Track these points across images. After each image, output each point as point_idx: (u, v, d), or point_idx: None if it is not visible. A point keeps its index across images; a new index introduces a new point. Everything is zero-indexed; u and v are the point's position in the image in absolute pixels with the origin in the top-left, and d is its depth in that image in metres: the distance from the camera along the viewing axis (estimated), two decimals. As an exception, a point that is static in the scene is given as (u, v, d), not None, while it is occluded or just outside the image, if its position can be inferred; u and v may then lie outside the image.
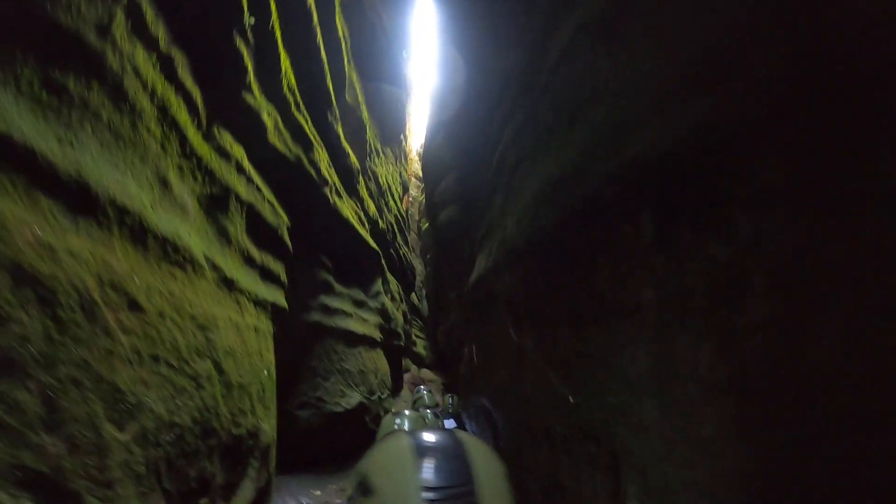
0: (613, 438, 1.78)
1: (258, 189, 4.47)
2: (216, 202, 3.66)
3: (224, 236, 3.69)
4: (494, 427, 3.38)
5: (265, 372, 3.56)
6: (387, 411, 6.49)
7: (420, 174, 21.80)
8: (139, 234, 2.25)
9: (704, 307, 1.34)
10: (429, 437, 1.08)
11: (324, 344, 5.74)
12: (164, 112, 2.73)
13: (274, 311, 4.38)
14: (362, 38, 10.94)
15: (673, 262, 1.47)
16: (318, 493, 4.91)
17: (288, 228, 5.24)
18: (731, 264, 1.25)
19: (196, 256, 3.01)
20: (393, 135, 16.45)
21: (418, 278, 17.49)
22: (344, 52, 7.93)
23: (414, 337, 14.26)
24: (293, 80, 5.44)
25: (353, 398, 5.87)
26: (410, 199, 22.46)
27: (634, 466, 1.64)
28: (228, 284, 3.33)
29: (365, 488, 0.97)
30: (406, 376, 11.90)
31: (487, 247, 3.34)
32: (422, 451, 1.00)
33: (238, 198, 3.99)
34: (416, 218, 22.41)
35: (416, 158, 23.42)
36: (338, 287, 6.49)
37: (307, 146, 5.89)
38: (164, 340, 2.26)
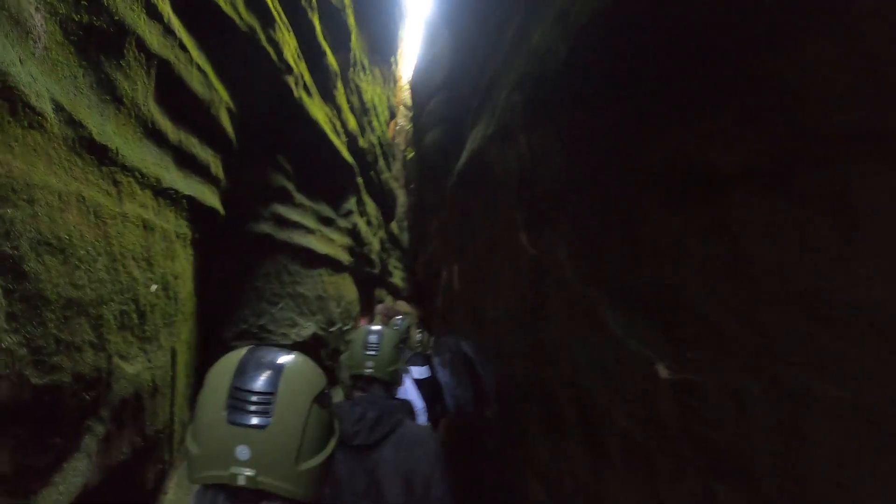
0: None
1: (182, 47, 3.18)
2: (100, 41, 2.42)
3: (109, 91, 2.46)
4: (477, 385, 2.36)
5: (154, 287, 2.44)
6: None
7: (409, 104, 20.33)
8: None
9: None
10: (257, 351, 1.07)
11: (274, 262, 4.61)
12: None
13: (194, 210, 3.20)
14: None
15: None
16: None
17: (231, 113, 3.98)
18: None
19: (29, 98, 1.81)
20: (383, 55, 15.13)
21: (401, 209, 16.36)
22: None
23: (391, 268, 13.25)
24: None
25: (307, 328, 4.80)
26: (398, 127, 21.00)
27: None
28: (97, 152, 2.14)
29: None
30: (379, 307, 10.93)
31: (488, 111, 2.21)
32: (243, 360, 1.03)
33: (144, 47, 2.72)
34: (402, 148, 20.95)
35: (407, 86, 21.72)
36: (298, 197, 5.29)
37: (267, 20, 4.53)
38: None
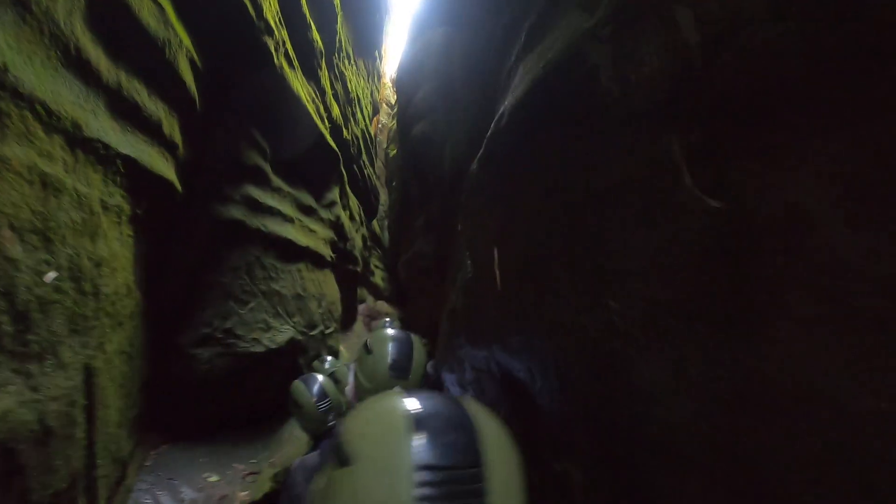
0: None
1: (127, -36, 2.37)
2: None
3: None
4: (530, 420, 1.66)
5: (52, 276, 1.62)
6: (331, 350, 4.60)
7: (392, 101, 19.64)
8: None
9: None
10: (425, 399, 0.71)
11: (245, 253, 3.77)
12: None
13: (137, 178, 2.37)
14: None
15: None
16: (215, 478, 3.06)
17: (195, 67, 3.16)
18: None
19: None
20: (368, 48, 14.49)
21: (382, 208, 15.59)
22: None
23: (373, 266, 12.41)
24: None
25: (283, 332, 3.96)
26: (380, 125, 20.26)
27: None
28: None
29: (342, 456, 0.66)
30: (361, 307, 10.09)
31: (535, 52, 1.48)
32: (419, 417, 0.66)
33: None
34: (384, 146, 20.17)
35: (390, 84, 21.06)
36: (276, 181, 4.45)
37: (243, -36, 3.74)
38: None
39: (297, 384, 2.39)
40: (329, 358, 4.07)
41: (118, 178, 2.22)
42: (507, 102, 1.74)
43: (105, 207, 2.08)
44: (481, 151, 2.16)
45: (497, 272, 1.84)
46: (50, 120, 1.70)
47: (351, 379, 1.74)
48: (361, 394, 1.61)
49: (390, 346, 1.58)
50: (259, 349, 3.62)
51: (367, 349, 1.60)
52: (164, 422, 3.24)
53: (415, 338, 1.67)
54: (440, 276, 8.63)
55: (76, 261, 1.77)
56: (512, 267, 1.76)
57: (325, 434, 2.33)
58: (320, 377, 2.45)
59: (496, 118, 1.81)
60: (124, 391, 2.47)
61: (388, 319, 4.85)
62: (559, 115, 1.39)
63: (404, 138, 11.21)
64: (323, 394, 2.31)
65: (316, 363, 4.03)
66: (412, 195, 11.14)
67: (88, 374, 1.85)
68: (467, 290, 2.28)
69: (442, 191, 8.24)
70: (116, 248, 2.16)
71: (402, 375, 1.54)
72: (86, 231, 1.87)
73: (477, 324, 2.11)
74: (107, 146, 2.08)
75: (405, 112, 11.25)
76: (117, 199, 2.21)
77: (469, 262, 2.27)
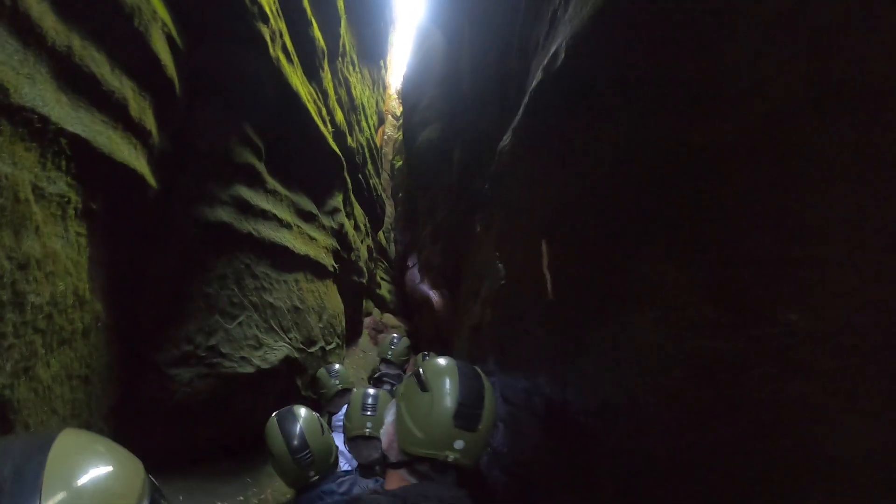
0: None
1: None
2: None
3: None
4: (582, 457, 1.23)
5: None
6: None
7: (397, 113, 19.39)
8: None
9: None
10: (463, 363, 1.21)
11: (233, 260, 3.32)
12: None
13: (92, 164, 1.94)
14: None
15: None
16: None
17: (174, 46, 2.75)
18: None
19: None
20: (372, 57, 14.24)
21: (388, 220, 15.21)
22: None
23: (379, 279, 11.96)
24: None
25: (277, 351, 3.48)
26: (385, 136, 19.98)
27: None
28: None
29: (421, 384, 1.18)
30: (367, 320, 9.62)
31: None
32: (462, 373, 1.17)
33: None
34: (390, 157, 19.86)
35: (395, 95, 20.84)
36: (271, 182, 4.03)
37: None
38: None
39: (272, 425, 1.88)
40: (337, 366, 3.59)
41: (63, 162, 1.78)
42: (561, 40, 1.29)
43: (40, 195, 1.64)
44: (519, 117, 1.68)
45: (547, 275, 1.38)
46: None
47: (389, 419, 1.27)
48: (408, 444, 1.15)
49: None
50: (248, 369, 3.15)
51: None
52: (136, 452, 2.77)
53: (482, 373, 1.26)
54: (448, 288, 8.15)
55: (-26, 259, 1.34)
56: (572, 265, 1.30)
57: (307, 488, 1.84)
58: (302, 415, 1.90)
59: (545, 64, 1.35)
60: (76, 422, 2.02)
61: (395, 335, 4.38)
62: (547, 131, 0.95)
63: (410, 147, 10.85)
64: (303, 443, 1.80)
65: (321, 373, 3.54)
66: (418, 205, 10.73)
67: (-3, 410, 1.40)
68: (498, 302, 1.80)
69: (449, 198, 7.80)
70: (57, 247, 1.72)
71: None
72: (4, 222, 1.43)
73: (513, 345, 1.63)
74: (45, 119, 1.65)
75: (411, 120, 10.92)
76: (60, 186, 1.77)
77: (500, 265, 1.79)
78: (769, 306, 0.87)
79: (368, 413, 2.02)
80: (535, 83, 1.42)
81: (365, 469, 2.13)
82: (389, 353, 4.03)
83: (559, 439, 1.39)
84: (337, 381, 3.40)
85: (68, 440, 0.66)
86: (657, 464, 1.10)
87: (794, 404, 0.81)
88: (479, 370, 1.25)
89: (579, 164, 1.25)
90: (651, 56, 1.02)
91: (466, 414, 1.13)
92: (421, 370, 1.23)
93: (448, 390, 1.15)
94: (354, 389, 2.72)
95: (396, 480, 1.19)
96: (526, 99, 1.53)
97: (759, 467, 0.88)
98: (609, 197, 1.16)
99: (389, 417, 1.26)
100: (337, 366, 3.62)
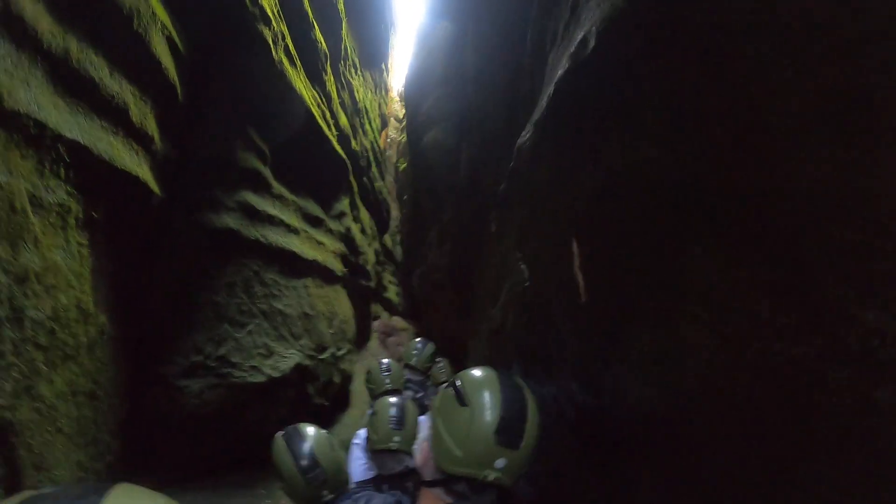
0: None
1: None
2: None
3: None
4: (633, 479, 1.12)
5: None
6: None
7: (400, 116, 19.31)
8: None
9: None
10: (504, 375, 1.13)
11: (241, 268, 3.24)
12: None
13: (89, 170, 1.86)
14: None
15: None
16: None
17: (175, 50, 2.67)
18: None
19: None
20: (374, 61, 14.21)
21: (393, 223, 15.13)
22: None
23: (386, 282, 11.88)
24: None
25: (288, 358, 3.39)
26: (388, 139, 19.91)
27: None
28: None
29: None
30: (376, 324, 9.53)
31: None
32: (503, 385, 1.08)
33: None
34: (394, 160, 19.78)
35: (397, 98, 20.76)
36: (277, 187, 3.94)
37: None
38: None
39: (278, 443, 1.76)
40: (388, 361, 3.19)
41: (62, 170, 1.70)
42: (590, 26, 1.18)
43: (38, 205, 1.56)
44: (542, 109, 1.56)
45: (578, 275, 1.28)
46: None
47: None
48: (446, 463, 1.05)
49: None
50: (259, 378, 3.06)
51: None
52: (146, 466, 2.70)
53: (524, 384, 1.16)
54: (456, 290, 8.04)
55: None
56: (606, 265, 1.20)
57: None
58: (310, 432, 1.77)
59: (572, 52, 1.24)
60: (83, 440, 1.93)
61: (419, 340, 4.15)
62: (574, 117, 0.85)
63: (415, 148, 10.75)
64: (313, 462, 1.69)
65: (373, 365, 3.14)
66: (424, 207, 10.62)
67: (-4, 434, 1.31)
68: (521, 304, 1.70)
69: (456, 198, 7.69)
70: (58, 259, 1.64)
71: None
72: (1, 234, 1.35)
73: (541, 350, 1.53)
74: (42, 125, 1.56)
75: (414, 121, 10.82)
76: (60, 195, 1.69)
77: (523, 266, 1.68)
78: (842, 305, 0.77)
79: (396, 427, 1.93)
80: (561, 73, 1.31)
81: (381, 479, 2.02)
82: (414, 358, 3.91)
83: (593, 448, 1.30)
84: (388, 381, 3.12)
85: (121, 492, 0.64)
86: (712, 476, 1.00)
87: (883, 412, 0.72)
88: (520, 381, 1.16)
89: (614, 156, 1.15)
90: (695, 33, 0.92)
91: (509, 429, 1.03)
92: (458, 382, 1.13)
93: (489, 404, 1.05)
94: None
95: (430, 500, 1.10)
96: (551, 89, 1.43)
97: (841, 479, 0.78)
98: (649, 190, 1.06)
99: (424, 432, 1.16)
100: (388, 360, 3.33)
